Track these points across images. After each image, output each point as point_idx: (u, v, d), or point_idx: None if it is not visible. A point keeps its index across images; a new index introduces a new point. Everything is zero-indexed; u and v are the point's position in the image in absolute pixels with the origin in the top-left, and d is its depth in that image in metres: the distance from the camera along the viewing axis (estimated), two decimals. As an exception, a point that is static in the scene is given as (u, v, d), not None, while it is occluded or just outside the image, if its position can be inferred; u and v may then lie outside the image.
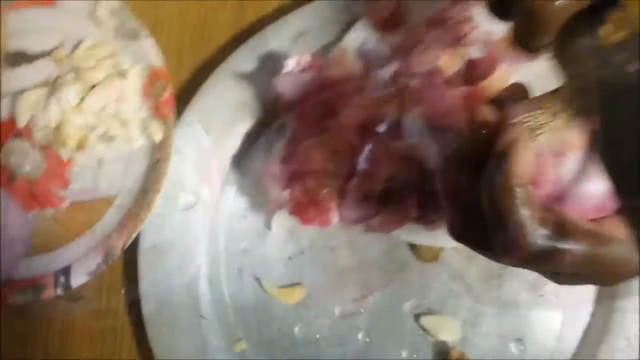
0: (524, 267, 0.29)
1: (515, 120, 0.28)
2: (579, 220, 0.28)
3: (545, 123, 0.28)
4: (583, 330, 0.49)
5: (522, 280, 0.49)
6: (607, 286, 0.29)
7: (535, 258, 0.28)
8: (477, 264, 0.49)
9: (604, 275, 0.28)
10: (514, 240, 0.27)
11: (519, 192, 0.27)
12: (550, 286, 0.48)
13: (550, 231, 0.27)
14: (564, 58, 0.27)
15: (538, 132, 0.28)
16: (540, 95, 0.28)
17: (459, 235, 0.32)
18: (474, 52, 0.43)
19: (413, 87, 0.43)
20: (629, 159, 0.26)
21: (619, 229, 0.28)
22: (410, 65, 0.44)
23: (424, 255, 0.49)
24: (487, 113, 0.30)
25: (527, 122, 0.28)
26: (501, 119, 0.28)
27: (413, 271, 0.49)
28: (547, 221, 0.27)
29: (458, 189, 0.30)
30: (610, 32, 0.26)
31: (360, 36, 0.46)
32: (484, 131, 0.29)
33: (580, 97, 0.26)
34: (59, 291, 0.45)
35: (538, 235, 0.27)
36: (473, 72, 0.42)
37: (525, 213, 0.27)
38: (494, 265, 0.48)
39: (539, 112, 0.28)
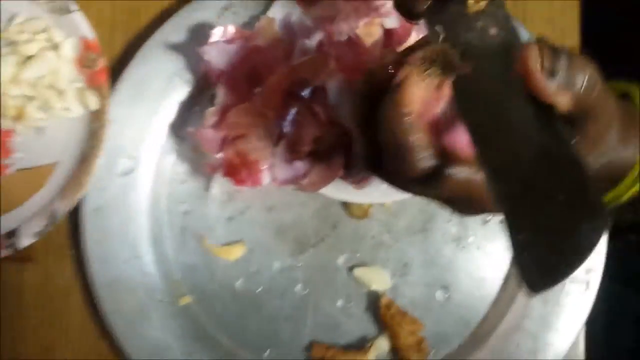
0: (416, 193, 0.33)
1: (409, 62, 0.31)
2: (459, 149, 0.30)
3: (430, 68, 0.31)
4: (503, 278, 0.52)
5: (446, 233, 0.52)
6: (472, 216, 0.32)
7: (422, 181, 0.31)
8: (404, 219, 0.52)
9: (474, 203, 0.31)
10: (404, 164, 0.30)
11: (407, 119, 0.30)
12: (472, 238, 0.52)
13: (434, 155, 0.30)
14: (437, 23, 0.30)
15: (425, 73, 0.30)
16: (431, 47, 0.31)
17: (368, 165, 0.34)
18: (391, 22, 0.45)
19: (335, 54, 0.45)
20: (483, 113, 0.29)
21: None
22: (332, 35, 0.46)
23: (355, 212, 0.52)
24: (390, 55, 0.33)
25: (417, 64, 0.31)
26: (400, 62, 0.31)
27: (345, 227, 0.52)
28: (432, 147, 0.30)
29: (365, 123, 0.33)
30: (474, 1, 0.29)
31: (283, 9, 0.48)
32: (388, 70, 0.32)
33: (446, 56, 0.29)
34: (8, 251, 0.48)
35: (424, 158, 0.30)
36: (390, 41, 0.44)
37: (413, 138, 0.30)
38: (419, 220, 0.52)
39: (428, 57, 0.31)
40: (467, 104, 0.29)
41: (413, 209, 0.52)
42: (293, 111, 0.46)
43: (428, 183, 0.31)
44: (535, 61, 0.28)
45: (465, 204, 0.32)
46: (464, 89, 0.30)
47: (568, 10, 0.54)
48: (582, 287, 0.50)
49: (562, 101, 0.28)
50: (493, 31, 0.29)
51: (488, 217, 0.52)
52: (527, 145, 0.28)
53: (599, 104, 0.29)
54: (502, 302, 0.52)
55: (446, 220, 0.52)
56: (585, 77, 0.29)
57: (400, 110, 0.30)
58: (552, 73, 0.28)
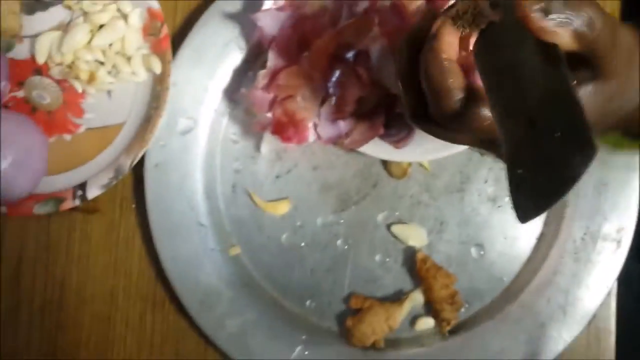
0: (456, 140, 0.36)
1: (445, 14, 0.35)
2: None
3: (463, 18, 0.34)
4: (536, 237, 0.55)
5: (482, 193, 0.55)
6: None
7: (457, 120, 0.34)
8: (441, 180, 0.55)
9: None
10: (443, 104, 0.34)
11: (445, 64, 0.33)
12: (508, 198, 0.54)
13: (467, 95, 0.33)
14: None
15: (458, 23, 0.34)
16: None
17: (413, 117, 0.37)
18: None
19: (378, 19, 0.49)
20: (495, 59, 0.32)
21: None
22: (376, 1, 0.49)
23: (395, 171, 0.55)
24: (430, 12, 0.36)
25: (451, 14, 0.34)
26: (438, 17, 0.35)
27: (385, 186, 0.55)
28: (466, 89, 0.34)
29: (409, 76, 0.37)
30: None
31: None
32: (428, 25, 0.35)
33: (476, 7, 0.33)
34: (77, 202, 0.53)
35: (460, 99, 0.33)
36: (433, 5, 0.47)
37: (450, 81, 0.33)
38: (457, 180, 0.55)
39: (461, 9, 0.34)
40: (482, 50, 0.32)
41: (451, 169, 0.55)
42: (338, 73, 0.50)
43: (462, 122, 0.34)
44: (531, 4, 0.30)
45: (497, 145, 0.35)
46: (484, 37, 0.33)
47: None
48: (613, 246, 0.52)
49: (564, 38, 0.30)
50: None
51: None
52: (533, 87, 0.29)
53: (604, 40, 0.31)
54: (535, 260, 0.54)
55: (483, 181, 0.55)
56: (584, 14, 0.30)
57: (438, 55, 0.34)
58: (546, 12, 0.30)
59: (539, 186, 0.28)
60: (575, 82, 0.31)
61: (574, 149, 0.27)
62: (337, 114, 0.51)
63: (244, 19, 0.54)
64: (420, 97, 0.36)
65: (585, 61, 0.32)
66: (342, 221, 0.55)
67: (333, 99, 0.51)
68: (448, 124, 0.35)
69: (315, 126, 0.51)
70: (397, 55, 0.38)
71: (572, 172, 0.26)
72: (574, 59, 0.31)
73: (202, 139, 0.55)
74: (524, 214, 0.28)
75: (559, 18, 0.30)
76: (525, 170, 0.28)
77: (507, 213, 0.55)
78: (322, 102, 0.51)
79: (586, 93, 0.32)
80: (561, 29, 0.30)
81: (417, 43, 0.36)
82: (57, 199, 0.53)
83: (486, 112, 0.33)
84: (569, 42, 0.30)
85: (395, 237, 0.55)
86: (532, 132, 0.29)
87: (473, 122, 0.33)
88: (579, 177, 0.26)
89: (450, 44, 0.34)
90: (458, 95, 0.33)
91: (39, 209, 0.53)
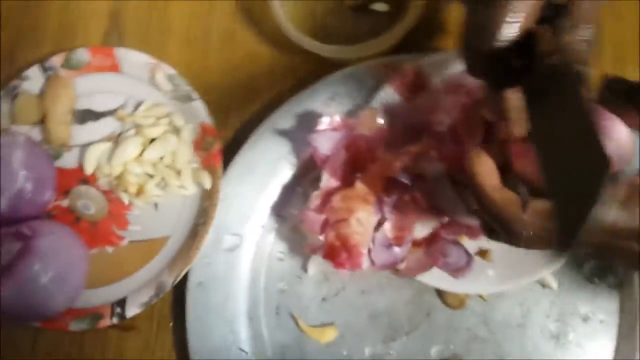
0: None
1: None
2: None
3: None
4: (603, 380, 0.50)
5: (544, 328, 0.51)
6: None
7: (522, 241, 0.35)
8: (501, 311, 0.51)
9: None
10: (511, 234, 0.35)
11: (494, 196, 0.35)
12: (572, 335, 0.50)
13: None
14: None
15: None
16: None
17: (487, 234, 0.39)
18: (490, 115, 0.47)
19: (436, 142, 0.47)
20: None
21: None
22: (432, 125, 0.48)
23: (450, 301, 0.52)
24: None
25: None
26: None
27: (440, 316, 0.52)
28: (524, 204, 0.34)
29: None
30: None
31: (386, 98, 0.50)
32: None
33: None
34: (115, 320, 0.50)
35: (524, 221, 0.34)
36: (489, 132, 0.46)
37: (507, 210, 0.34)
38: (516, 313, 0.51)
39: None
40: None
41: (510, 300, 0.51)
42: (394, 197, 0.48)
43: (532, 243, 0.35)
44: None
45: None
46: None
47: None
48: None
49: None
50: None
51: (589, 314, 0.50)
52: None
53: None
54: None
55: (545, 315, 0.51)
56: None
57: (483, 191, 0.36)
58: None
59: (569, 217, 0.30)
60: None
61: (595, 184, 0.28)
62: (394, 239, 0.48)
63: (296, 135, 0.53)
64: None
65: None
66: (392, 352, 0.51)
67: (389, 224, 0.48)
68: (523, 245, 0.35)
69: (369, 251, 0.49)
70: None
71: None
72: None
73: (247, 257, 0.53)
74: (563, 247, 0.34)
75: None
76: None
77: (572, 350, 0.50)
78: (377, 227, 0.49)
79: None
80: None
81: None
82: (94, 315, 0.51)
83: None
84: None
85: (450, 373, 0.51)
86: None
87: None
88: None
89: (488, 172, 0.35)
90: (521, 219, 0.34)
91: (75, 326, 0.51)
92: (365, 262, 0.49)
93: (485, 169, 0.36)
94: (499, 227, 0.35)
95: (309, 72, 0.56)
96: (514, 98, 0.36)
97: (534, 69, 0.33)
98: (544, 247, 0.36)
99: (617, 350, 0.50)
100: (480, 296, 0.51)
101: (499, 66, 0.34)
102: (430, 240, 0.48)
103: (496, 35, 0.33)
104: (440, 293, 0.52)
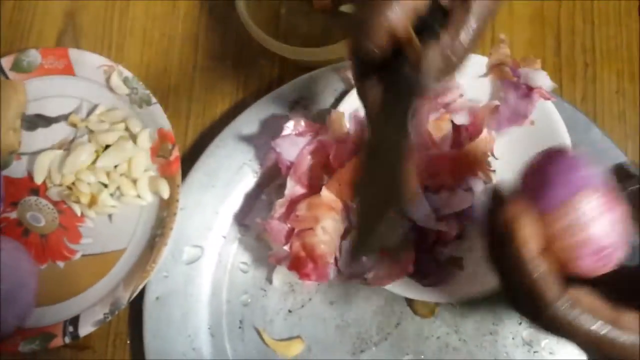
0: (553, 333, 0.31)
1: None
2: (596, 302, 0.30)
3: None
4: (576, 386, 0.49)
5: (517, 336, 0.50)
6: None
7: (553, 325, 0.30)
8: (472, 320, 0.50)
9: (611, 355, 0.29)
10: (534, 309, 0.30)
11: (532, 269, 0.29)
12: (544, 342, 0.49)
13: (566, 303, 0.29)
14: None
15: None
16: None
17: (511, 305, 0.34)
18: (460, 118, 0.45)
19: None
20: None
21: (634, 323, 0.29)
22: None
23: (420, 310, 0.50)
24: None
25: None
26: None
27: (410, 326, 0.50)
28: (564, 294, 0.29)
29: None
30: None
31: (353, 103, 0.49)
32: None
33: None
34: (67, 340, 0.47)
35: (556, 307, 0.29)
36: (459, 136, 0.45)
37: (547, 289, 0.29)
38: (488, 321, 0.50)
39: None
40: None
41: (482, 307, 0.50)
42: (362, 204, 0.46)
43: (558, 329, 0.30)
44: None
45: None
46: None
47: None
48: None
49: None
50: None
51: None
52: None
53: None
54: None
55: (517, 322, 0.50)
56: None
57: (521, 257, 0.30)
58: None
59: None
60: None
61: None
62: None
63: (260, 140, 0.51)
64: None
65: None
66: (361, 364, 0.50)
67: (355, 232, 0.46)
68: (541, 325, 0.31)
69: (336, 261, 0.47)
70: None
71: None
72: None
73: (208, 269, 0.50)
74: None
75: None
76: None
77: (544, 358, 0.49)
78: (344, 235, 0.47)
79: None
80: None
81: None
82: (45, 335, 0.48)
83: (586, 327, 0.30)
84: None
85: (421, 384, 0.49)
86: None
87: (569, 331, 0.30)
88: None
89: (531, 235, 0.30)
90: (552, 301, 0.29)
91: (26, 347, 0.47)
92: (332, 272, 0.47)
93: (528, 232, 0.30)
94: (525, 299, 0.31)
95: (274, 75, 0.54)
96: (373, 94, 0.33)
97: (391, 76, 0.32)
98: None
99: (588, 357, 0.49)
100: (451, 304, 0.50)
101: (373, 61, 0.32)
102: (401, 248, 0.47)
103: (369, 35, 0.31)
104: (410, 302, 0.50)
